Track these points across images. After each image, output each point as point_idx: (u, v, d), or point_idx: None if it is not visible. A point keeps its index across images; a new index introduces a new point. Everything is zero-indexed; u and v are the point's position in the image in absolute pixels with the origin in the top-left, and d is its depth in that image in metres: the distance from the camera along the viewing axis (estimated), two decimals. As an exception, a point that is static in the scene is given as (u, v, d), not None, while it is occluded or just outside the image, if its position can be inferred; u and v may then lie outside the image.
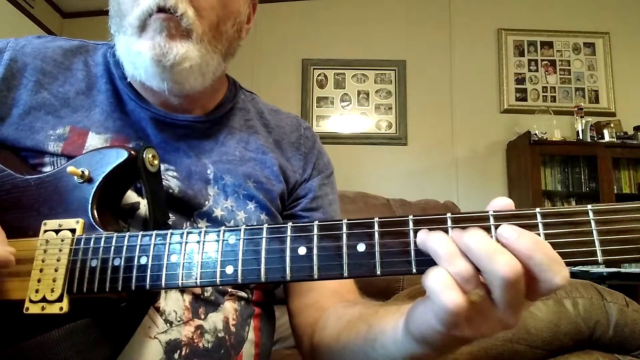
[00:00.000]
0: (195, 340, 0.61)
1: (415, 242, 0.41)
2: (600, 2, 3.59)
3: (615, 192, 3.09)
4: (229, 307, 0.66)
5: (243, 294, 0.69)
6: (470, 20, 3.60)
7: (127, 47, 0.63)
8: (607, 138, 3.19)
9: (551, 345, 0.86)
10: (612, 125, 3.24)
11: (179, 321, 0.60)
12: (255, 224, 0.69)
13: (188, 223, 0.65)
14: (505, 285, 0.36)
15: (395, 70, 3.55)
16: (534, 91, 3.50)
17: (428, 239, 0.39)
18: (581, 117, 3.28)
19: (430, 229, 0.41)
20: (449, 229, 0.41)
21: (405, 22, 3.61)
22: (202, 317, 0.62)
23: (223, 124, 0.74)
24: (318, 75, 3.57)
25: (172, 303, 0.60)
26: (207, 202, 0.66)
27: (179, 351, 0.59)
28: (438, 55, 3.56)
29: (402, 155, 3.44)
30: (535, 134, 3.19)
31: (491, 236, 0.39)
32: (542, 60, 3.54)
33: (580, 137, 3.25)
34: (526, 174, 3.11)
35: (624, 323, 0.87)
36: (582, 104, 3.37)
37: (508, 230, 0.38)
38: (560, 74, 3.53)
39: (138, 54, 0.62)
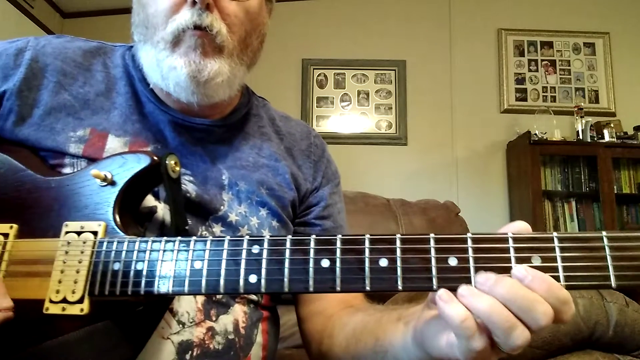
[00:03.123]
0: (207, 342, 0.61)
1: (436, 259, 0.42)
2: (600, 2, 3.59)
3: (615, 192, 3.09)
4: (239, 310, 0.67)
5: (254, 297, 0.69)
6: (470, 20, 3.60)
7: (157, 59, 0.64)
8: (607, 138, 3.19)
9: (551, 345, 0.86)
10: (612, 125, 3.24)
11: (191, 322, 0.61)
12: (267, 230, 0.71)
13: (203, 227, 0.66)
14: (542, 329, 0.39)
15: (395, 70, 3.54)
16: (534, 91, 3.50)
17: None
18: (581, 117, 3.28)
19: (450, 247, 0.42)
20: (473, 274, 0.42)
21: (405, 22, 3.61)
22: (214, 318, 0.63)
23: (238, 129, 0.75)
24: (318, 75, 3.57)
25: (185, 304, 0.61)
26: (222, 207, 0.67)
27: (190, 352, 0.60)
28: (438, 55, 3.56)
29: (402, 155, 3.44)
30: (535, 134, 3.19)
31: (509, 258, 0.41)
32: (542, 60, 3.54)
33: (580, 137, 3.25)
34: (526, 174, 3.11)
35: (624, 323, 0.87)
36: (582, 104, 3.37)
37: (522, 272, 0.39)
38: (560, 74, 3.52)
39: (172, 69, 0.63)
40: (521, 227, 0.43)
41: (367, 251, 0.44)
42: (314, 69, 3.57)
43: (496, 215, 3.33)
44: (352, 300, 0.73)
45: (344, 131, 3.49)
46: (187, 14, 0.61)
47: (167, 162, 0.56)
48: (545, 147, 3.16)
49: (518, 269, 0.40)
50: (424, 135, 3.46)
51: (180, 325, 0.60)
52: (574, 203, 3.24)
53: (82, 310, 0.49)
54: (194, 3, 0.61)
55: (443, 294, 0.40)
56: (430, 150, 3.45)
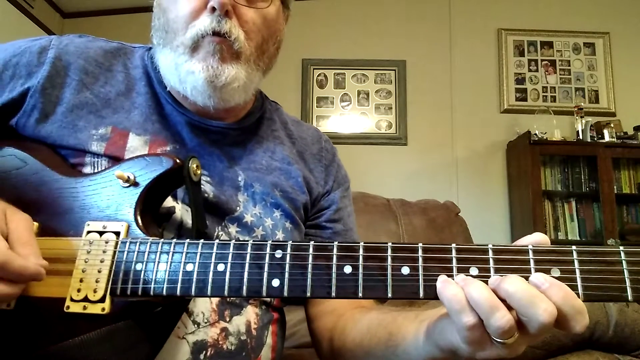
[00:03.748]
0: (220, 342, 0.62)
1: (458, 269, 0.43)
2: (600, 2, 3.59)
3: (615, 192, 3.09)
4: (251, 311, 0.68)
5: (266, 298, 0.70)
6: (470, 20, 3.60)
7: (175, 63, 0.65)
8: (607, 138, 3.19)
9: (551, 345, 0.86)
10: (612, 125, 3.24)
11: (205, 322, 0.62)
12: (280, 231, 0.72)
13: (220, 227, 0.67)
14: (542, 327, 0.39)
15: (395, 70, 3.55)
16: (534, 91, 3.50)
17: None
18: (581, 117, 3.28)
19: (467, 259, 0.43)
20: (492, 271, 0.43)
21: (405, 22, 3.61)
22: (227, 319, 0.64)
23: (252, 132, 0.76)
24: (318, 75, 3.57)
25: (201, 305, 0.62)
26: (238, 208, 0.68)
27: (204, 352, 0.60)
28: (438, 55, 3.56)
29: (402, 155, 3.44)
30: (535, 134, 3.19)
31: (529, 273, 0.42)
32: (542, 60, 3.54)
33: (580, 137, 3.25)
34: (526, 174, 3.11)
35: (624, 323, 0.87)
36: (582, 104, 3.37)
37: (540, 279, 0.40)
38: (560, 74, 3.53)
39: (190, 74, 0.64)
40: (540, 239, 0.44)
41: (389, 259, 0.45)
42: (314, 69, 3.57)
43: (496, 215, 3.33)
44: (362, 301, 0.74)
45: (344, 131, 3.49)
46: (206, 20, 0.63)
47: (189, 165, 0.57)
48: (545, 147, 3.17)
49: (536, 276, 0.41)
50: (424, 135, 3.46)
51: (196, 325, 0.61)
52: (574, 203, 3.24)
53: (103, 309, 0.50)
54: (213, 9, 0.62)
55: (442, 276, 0.43)
56: (430, 150, 3.45)
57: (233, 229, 0.67)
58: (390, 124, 3.50)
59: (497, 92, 3.51)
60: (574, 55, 3.54)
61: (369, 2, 3.65)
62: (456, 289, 0.41)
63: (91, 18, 3.76)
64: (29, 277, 0.47)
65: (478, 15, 3.60)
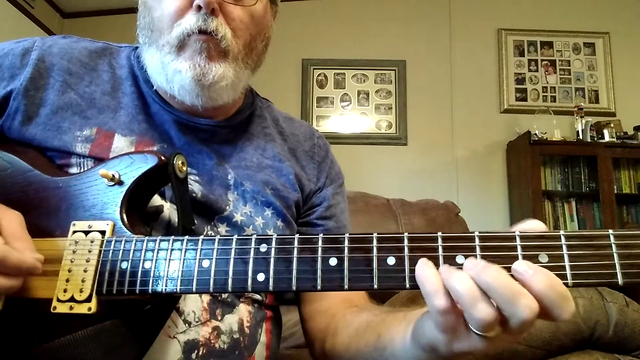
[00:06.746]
0: (212, 341, 0.62)
1: (444, 257, 0.42)
2: (600, 2, 3.59)
3: (615, 192, 3.09)
4: (244, 309, 0.67)
5: (257, 296, 0.70)
6: (470, 20, 3.60)
7: (162, 62, 0.64)
8: (607, 138, 3.19)
9: (551, 345, 0.86)
10: (612, 125, 3.24)
11: (197, 322, 0.61)
12: (272, 229, 0.71)
13: (209, 227, 0.66)
14: (524, 323, 0.38)
15: (395, 70, 3.55)
16: (534, 91, 3.50)
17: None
18: (581, 117, 3.28)
19: (453, 248, 0.42)
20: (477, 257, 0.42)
21: (405, 22, 3.61)
22: (219, 318, 0.64)
23: (242, 130, 0.76)
24: (318, 75, 3.57)
25: (191, 304, 0.61)
26: (227, 207, 0.68)
27: (196, 351, 0.60)
28: (438, 56, 3.56)
29: (402, 155, 3.44)
30: (535, 134, 3.19)
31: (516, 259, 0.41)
32: (542, 60, 3.54)
33: (580, 137, 3.25)
34: (526, 174, 3.11)
35: (624, 323, 0.87)
36: (582, 104, 3.37)
37: (523, 267, 0.39)
38: (560, 74, 3.53)
39: (177, 72, 0.63)
40: (535, 225, 0.43)
41: (374, 250, 0.44)
42: (314, 69, 3.57)
43: (496, 215, 3.33)
44: (356, 300, 0.73)
45: (344, 131, 3.49)
46: (192, 18, 0.62)
47: (174, 162, 0.56)
48: (545, 147, 3.17)
49: (519, 264, 0.40)
50: (424, 135, 3.46)
51: (187, 325, 0.60)
52: (574, 203, 3.24)
53: (89, 309, 0.49)
54: (199, 8, 0.62)
55: (423, 259, 0.42)
56: (430, 150, 3.45)
57: (223, 229, 0.67)
58: (390, 124, 3.50)
59: (497, 92, 3.51)
60: (574, 55, 3.54)
61: (369, 2, 3.65)
62: (432, 271, 0.41)
63: (91, 18, 3.76)
64: (27, 270, 0.47)
65: (478, 15, 3.60)
